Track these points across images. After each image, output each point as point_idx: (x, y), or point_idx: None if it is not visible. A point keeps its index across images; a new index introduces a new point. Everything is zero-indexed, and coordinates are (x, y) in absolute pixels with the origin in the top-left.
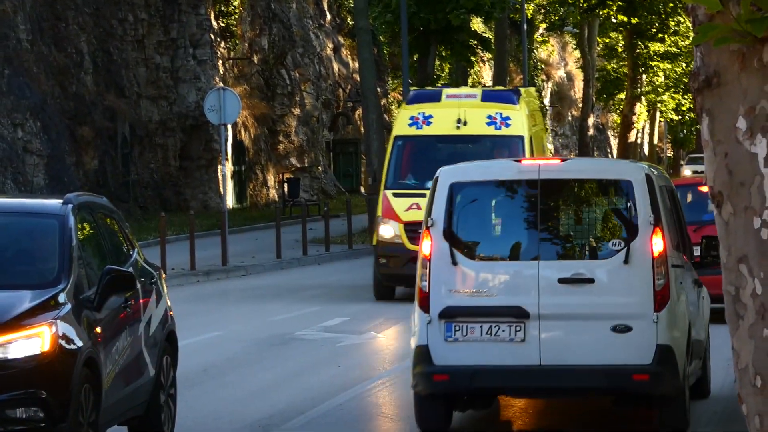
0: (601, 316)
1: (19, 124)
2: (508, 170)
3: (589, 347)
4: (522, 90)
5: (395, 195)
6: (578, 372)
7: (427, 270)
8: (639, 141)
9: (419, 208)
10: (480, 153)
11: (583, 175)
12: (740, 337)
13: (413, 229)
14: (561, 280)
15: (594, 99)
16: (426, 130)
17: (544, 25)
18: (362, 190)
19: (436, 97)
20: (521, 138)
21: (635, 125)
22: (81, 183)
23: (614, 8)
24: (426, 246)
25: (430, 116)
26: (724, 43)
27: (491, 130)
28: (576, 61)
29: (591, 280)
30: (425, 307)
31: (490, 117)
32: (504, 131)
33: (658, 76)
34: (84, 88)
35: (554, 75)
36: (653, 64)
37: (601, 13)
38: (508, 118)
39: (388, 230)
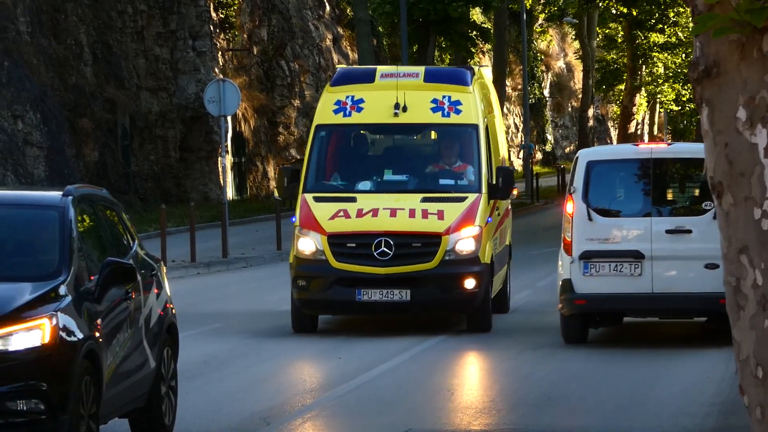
0: (696, 257)
1: (19, 116)
2: (629, 152)
3: (688, 280)
4: (476, 70)
5: (317, 199)
6: (681, 298)
7: (570, 225)
8: (639, 132)
9: (348, 216)
10: (423, 146)
11: (683, 155)
12: (741, 328)
13: (340, 243)
14: (668, 231)
15: (594, 90)
16: (355, 118)
17: (543, 16)
18: None
19: (368, 77)
20: (475, 127)
21: (635, 116)
22: (81, 175)
23: (613, 0)
24: (569, 207)
25: (361, 100)
26: (724, 34)
27: (437, 118)
28: (575, 52)
29: (689, 231)
30: (568, 251)
31: (435, 101)
32: (453, 119)
33: (657, 66)
34: (84, 80)
35: (554, 66)
36: (653, 54)
37: (600, 3)
38: (458, 103)
39: (308, 244)
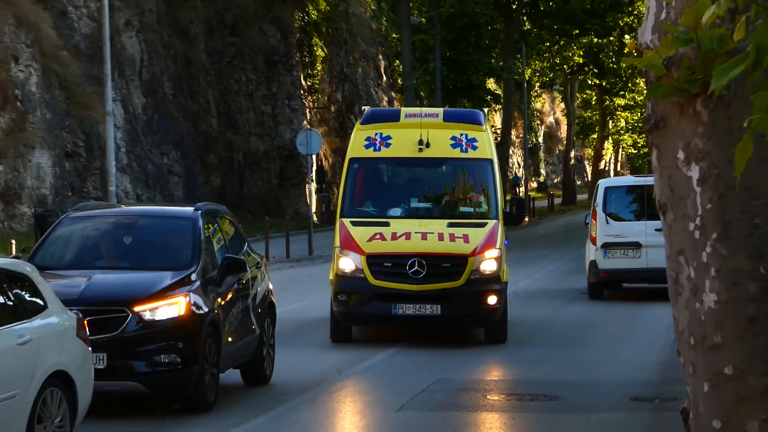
0: None
1: (164, 154)
2: (630, 180)
3: None
4: (487, 112)
5: (354, 224)
6: (664, 269)
7: (595, 227)
8: (607, 168)
9: (383, 238)
10: (444, 177)
11: None
12: (679, 309)
13: (377, 262)
14: (656, 229)
15: (574, 138)
16: (384, 152)
17: (538, 84)
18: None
19: (394, 117)
20: (489, 161)
21: (604, 157)
22: (208, 196)
23: (589, 73)
24: (595, 215)
25: (389, 137)
26: (668, 97)
27: (456, 153)
28: (562, 111)
29: None
30: (594, 243)
31: (454, 138)
32: (471, 154)
33: (620, 121)
34: (210, 128)
35: (546, 120)
36: (617, 113)
37: (579, 76)
38: (474, 140)
39: (348, 263)
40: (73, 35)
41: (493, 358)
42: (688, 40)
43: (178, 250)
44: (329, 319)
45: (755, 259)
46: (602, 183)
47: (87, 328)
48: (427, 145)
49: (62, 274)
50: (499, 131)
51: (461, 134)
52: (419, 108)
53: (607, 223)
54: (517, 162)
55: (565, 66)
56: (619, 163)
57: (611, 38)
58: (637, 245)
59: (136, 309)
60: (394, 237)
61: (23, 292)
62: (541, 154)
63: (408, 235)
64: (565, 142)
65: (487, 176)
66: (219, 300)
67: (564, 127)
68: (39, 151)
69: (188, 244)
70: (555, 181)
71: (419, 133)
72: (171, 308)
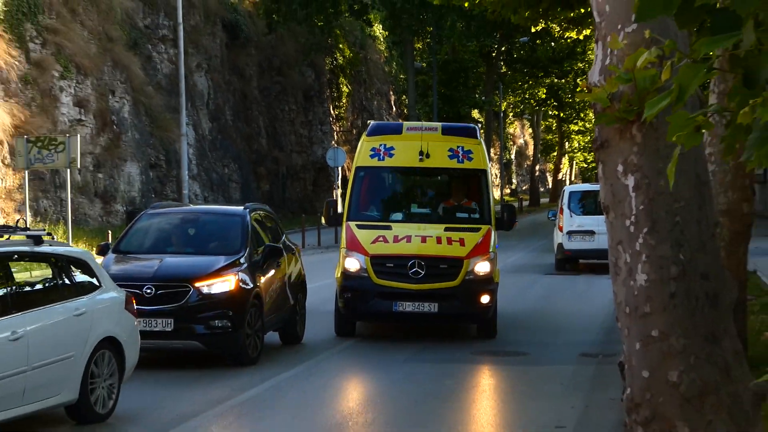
0: None
1: (225, 166)
2: (587, 186)
3: None
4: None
5: (359, 227)
6: None
7: (562, 219)
8: (563, 179)
9: (386, 241)
10: (442, 185)
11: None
12: (618, 286)
13: (380, 263)
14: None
15: (539, 155)
16: (388, 162)
17: (511, 114)
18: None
19: (397, 130)
20: (483, 171)
21: (561, 170)
22: (258, 198)
23: (550, 106)
24: (562, 211)
25: (392, 148)
26: (611, 124)
27: (453, 163)
28: (529, 134)
29: None
30: (561, 230)
31: (452, 150)
32: (466, 164)
33: (574, 143)
34: (261, 147)
35: (517, 141)
36: (572, 136)
37: (543, 108)
38: (470, 152)
39: (353, 263)
40: (156, 74)
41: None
42: (628, 79)
43: (230, 240)
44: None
45: (676, 248)
46: (567, 189)
47: (134, 303)
48: (427, 156)
49: (141, 257)
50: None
51: (458, 146)
52: (420, 122)
53: (571, 216)
54: (495, 173)
55: (532, 100)
56: (573, 175)
57: (568, 79)
58: (591, 233)
59: (197, 284)
60: (396, 240)
61: (81, 274)
62: (513, 168)
63: (409, 238)
64: (531, 159)
65: (480, 185)
66: (261, 278)
67: (531, 147)
68: (130, 162)
69: (238, 234)
70: (524, 188)
71: (420, 144)
72: (224, 284)
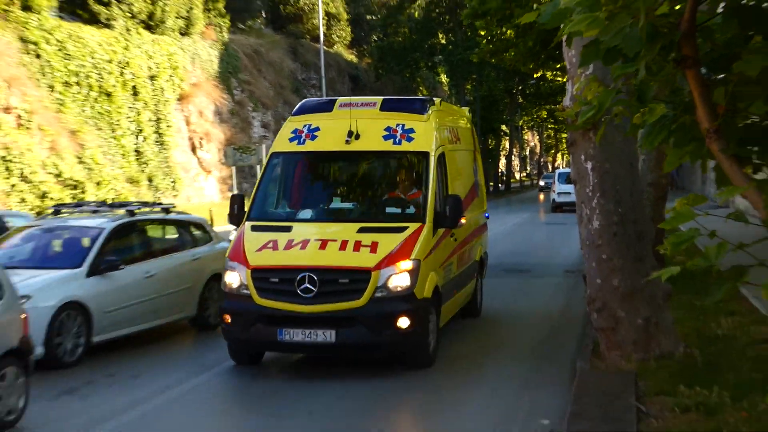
0: None
1: None
2: (569, 170)
3: None
4: (436, 101)
5: (254, 228)
6: None
7: (555, 185)
8: (558, 166)
9: (275, 248)
10: (371, 173)
11: None
12: (582, 228)
13: (263, 277)
14: None
15: (543, 152)
16: (308, 146)
17: (526, 127)
18: None
19: (327, 107)
20: (425, 154)
21: (556, 161)
22: None
23: (549, 122)
24: (554, 183)
25: (317, 129)
26: (577, 129)
27: (388, 145)
28: (536, 140)
29: None
30: (553, 192)
31: (388, 129)
32: (404, 146)
33: (562, 144)
34: None
35: (530, 144)
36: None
37: (544, 123)
38: (411, 131)
39: (233, 277)
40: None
41: (493, 250)
42: (585, 103)
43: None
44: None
45: (616, 205)
46: (558, 171)
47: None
48: (356, 137)
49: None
50: (507, 148)
51: (397, 124)
52: (359, 97)
53: (558, 185)
54: (517, 164)
55: (537, 118)
56: (564, 163)
57: (558, 106)
58: (569, 193)
59: None
60: (289, 245)
61: (199, 232)
62: (527, 161)
63: (305, 244)
64: (537, 154)
65: (420, 172)
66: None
67: (537, 147)
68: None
69: None
70: (534, 173)
71: (350, 123)
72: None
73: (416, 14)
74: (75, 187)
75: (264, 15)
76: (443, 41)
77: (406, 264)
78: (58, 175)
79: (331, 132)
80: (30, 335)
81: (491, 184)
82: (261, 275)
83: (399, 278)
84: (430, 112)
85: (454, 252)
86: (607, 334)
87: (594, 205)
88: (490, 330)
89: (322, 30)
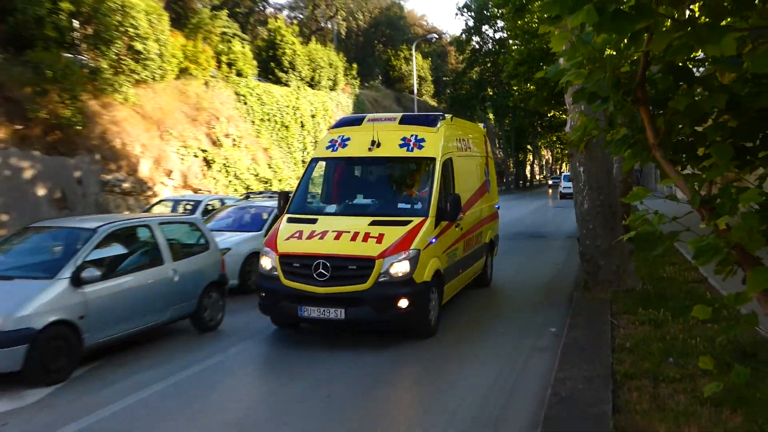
0: None
1: None
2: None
3: None
4: (447, 116)
5: (289, 220)
6: None
7: (561, 183)
8: (564, 171)
9: (300, 237)
10: (388, 175)
11: None
12: (576, 209)
13: (288, 262)
14: None
15: (554, 163)
16: (340, 152)
17: (543, 146)
18: None
19: (358, 122)
20: (432, 160)
21: (563, 168)
22: None
23: (557, 141)
24: (563, 182)
25: (348, 138)
26: (573, 147)
27: (403, 152)
28: (551, 154)
29: None
30: (560, 187)
31: (404, 139)
32: (416, 153)
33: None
34: None
35: (546, 157)
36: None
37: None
38: (422, 140)
39: (267, 262)
40: None
41: (513, 225)
42: (578, 129)
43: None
44: None
45: (598, 195)
46: (563, 174)
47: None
48: (378, 145)
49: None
50: (531, 160)
51: (411, 135)
52: (384, 114)
53: (563, 182)
54: (537, 170)
55: (550, 141)
56: (567, 169)
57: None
58: (569, 187)
59: None
60: (311, 236)
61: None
62: (544, 168)
63: (323, 234)
64: (550, 164)
65: (427, 175)
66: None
67: (551, 159)
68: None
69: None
70: (548, 176)
71: (373, 134)
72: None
73: (474, 76)
74: (266, 183)
75: (380, 77)
76: (491, 93)
77: (406, 253)
78: (256, 175)
79: (358, 141)
80: (226, 272)
81: (520, 182)
82: (286, 260)
83: (400, 265)
84: (439, 125)
85: (461, 239)
86: (593, 276)
87: (584, 195)
88: (514, 274)
89: (416, 87)
